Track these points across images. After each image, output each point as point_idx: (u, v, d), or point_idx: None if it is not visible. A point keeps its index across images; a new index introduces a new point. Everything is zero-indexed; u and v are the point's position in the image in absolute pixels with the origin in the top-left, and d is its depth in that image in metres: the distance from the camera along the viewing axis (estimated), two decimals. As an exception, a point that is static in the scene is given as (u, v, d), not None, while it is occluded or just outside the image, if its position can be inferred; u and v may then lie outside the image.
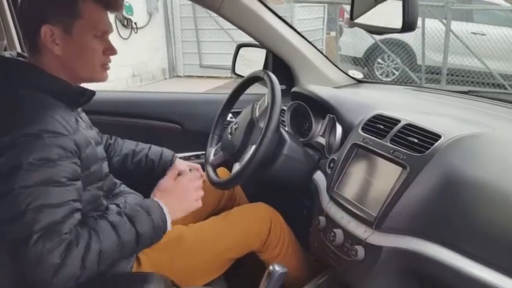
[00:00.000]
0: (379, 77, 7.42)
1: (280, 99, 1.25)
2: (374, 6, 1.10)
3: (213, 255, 1.31)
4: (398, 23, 1.00)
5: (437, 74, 6.64)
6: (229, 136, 1.39)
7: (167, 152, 1.55)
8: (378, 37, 6.92)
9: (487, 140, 1.09)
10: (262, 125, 1.27)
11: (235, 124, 1.40)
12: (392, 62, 7.22)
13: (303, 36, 1.74)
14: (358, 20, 1.13)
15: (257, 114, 1.33)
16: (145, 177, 1.62)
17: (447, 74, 6.46)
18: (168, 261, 1.24)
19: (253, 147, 1.24)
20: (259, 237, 1.36)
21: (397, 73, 7.26)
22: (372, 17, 1.11)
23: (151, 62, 7.95)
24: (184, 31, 8.25)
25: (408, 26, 0.98)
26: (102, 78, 1.16)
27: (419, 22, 6.38)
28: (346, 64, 7.62)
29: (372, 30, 1.12)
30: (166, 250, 1.26)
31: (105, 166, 1.28)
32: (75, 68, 1.10)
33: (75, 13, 1.05)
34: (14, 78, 1.05)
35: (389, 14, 1.02)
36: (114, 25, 6.76)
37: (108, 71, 1.17)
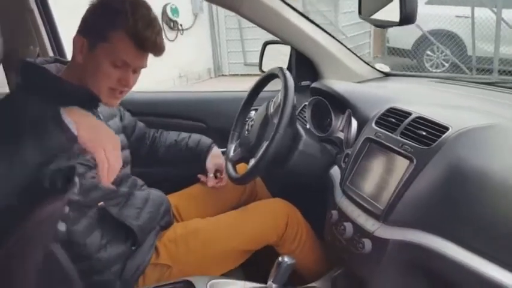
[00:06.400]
0: (429, 68, 7.21)
1: (293, 95, 1.27)
2: (380, 2, 1.09)
3: (229, 247, 1.35)
4: (397, 16, 1.00)
5: (489, 64, 6.35)
6: (246, 132, 1.42)
7: (205, 140, 1.62)
8: (426, 28, 6.74)
9: (500, 131, 1.05)
10: (276, 121, 1.30)
11: (251, 121, 1.43)
12: (441, 53, 6.99)
13: (325, 31, 1.74)
14: (365, 15, 1.13)
15: (271, 110, 1.35)
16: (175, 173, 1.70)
17: (499, 64, 6.16)
18: (185, 253, 1.30)
19: (266, 143, 1.27)
20: (275, 231, 1.39)
21: (447, 65, 7.03)
22: (377, 12, 1.11)
23: (197, 62, 8.11)
24: (228, 30, 8.36)
25: (406, 18, 0.97)
26: (108, 103, 1.20)
27: (468, 11, 6.17)
28: (394, 57, 7.47)
29: (376, 24, 1.12)
30: (183, 242, 1.32)
31: (126, 170, 1.36)
32: (86, 81, 1.15)
33: (104, 36, 1.11)
34: (27, 82, 1.14)
35: (389, 8, 1.02)
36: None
37: (117, 100, 1.20)
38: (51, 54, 1.74)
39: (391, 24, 1.05)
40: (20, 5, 1.64)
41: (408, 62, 7.27)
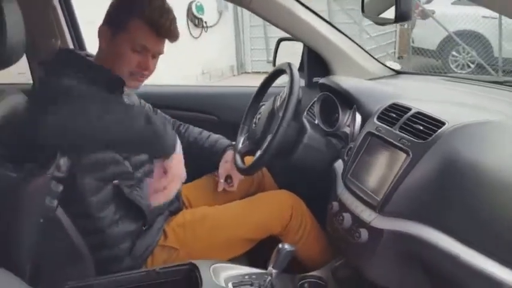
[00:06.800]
0: (454, 69, 7.10)
1: (298, 90, 1.31)
2: (381, 3, 1.13)
3: (234, 235, 1.41)
4: (392, 14, 1.03)
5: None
6: (254, 125, 1.47)
7: (222, 143, 1.65)
8: (452, 29, 6.65)
9: (496, 127, 1.08)
10: (281, 114, 1.34)
11: (259, 114, 1.48)
12: (467, 54, 6.88)
13: (337, 28, 1.77)
14: (368, 13, 1.17)
15: (277, 104, 1.40)
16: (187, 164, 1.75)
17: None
18: (192, 238, 1.37)
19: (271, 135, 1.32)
20: (280, 222, 1.44)
21: (472, 66, 6.91)
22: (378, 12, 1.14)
23: (221, 59, 8.17)
24: (253, 28, 8.39)
25: (401, 16, 1.00)
26: (130, 86, 1.34)
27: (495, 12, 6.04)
28: (419, 57, 7.39)
29: (376, 21, 1.15)
30: (191, 228, 1.39)
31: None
32: (110, 64, 1.29)
33: (125, 24, 1.26)
34: (62, 67, 1.26)
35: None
36: (186, 25, 7.12)
37: (139, 82, 1.35)
38: (71, 46, 1.83)
39: (387, 21, 1.08)
40: (44, 1, 1.74)
41: (433, 63, 7.18)
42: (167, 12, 1.28)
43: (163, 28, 1.27)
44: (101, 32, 1.30)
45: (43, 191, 1.04)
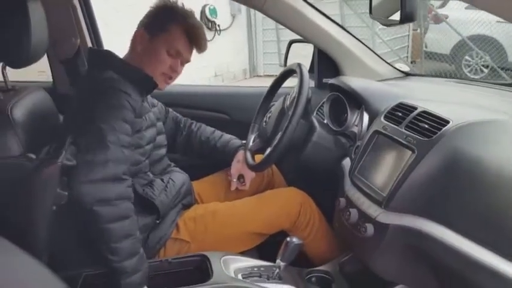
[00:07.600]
0: (467, 74, 7.06)
1: (307, 89, 1.36)
2: (387, 4, 1.16)
3: (244, 230, 1.45)
4: (397, 15, 1.06)
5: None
6: (264, 124, 1.51)
7: (234, 143, 1.71)
8: (465, 33, 6.63)
9: (500, 126, 1.10)
10: (291, 113, 1.38)
11: (269, 113, 1.52)
12: (480, 59, 6.85)
13: (347, 31, 1.81)
14: (375, 15, 1.21)
15: (287, 103, 1.44)
16: (200, 161, 1.81)
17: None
18: (203, 231, 1.42)
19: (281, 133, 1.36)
20: (288, 218, 1.48)
21: (486, 70, 6.87)
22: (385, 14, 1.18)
23: (233, 62, 8.21)
24: (265, 31, 8.42)
25: (406, 17, 1.04)
26: (160, 86, 1.43)
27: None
28: (432, 61, 7.36)
29: (381, 22, 1.19)
30: (202, 221, 1.44)
31: (162, 151, 1.52)
32: (143, 65, 1.39)
33: (165, 28, 1.39)
34: (99, 63, 1.39)
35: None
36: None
37: (166, 84, 1.45)
38: (90, 45, 1.90)
39: (393, 22, 1.12)
40: (65, 1, 1.80)
41: (446, 67, 7.15)
42: (201, 27, 1.45)
43: (199, 39, 1.42)
44: (138, 35, 1.41)
45: (55, 179, 1.09)
